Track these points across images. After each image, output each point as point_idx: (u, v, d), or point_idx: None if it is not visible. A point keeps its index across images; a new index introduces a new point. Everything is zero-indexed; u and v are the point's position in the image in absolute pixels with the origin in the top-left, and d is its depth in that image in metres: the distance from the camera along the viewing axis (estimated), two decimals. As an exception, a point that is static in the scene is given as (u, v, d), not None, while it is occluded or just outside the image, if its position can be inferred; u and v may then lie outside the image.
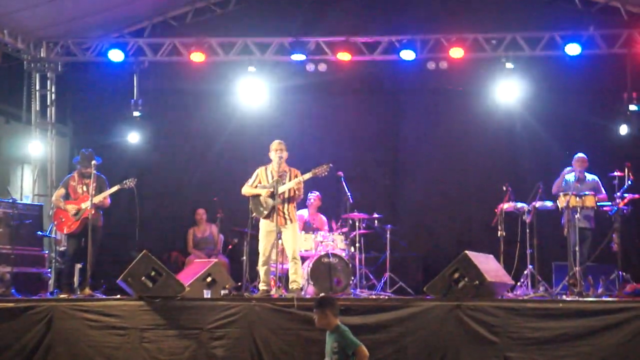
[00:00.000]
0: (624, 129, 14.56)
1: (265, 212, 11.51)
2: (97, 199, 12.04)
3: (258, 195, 11.60)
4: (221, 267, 12.31)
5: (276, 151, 11.61)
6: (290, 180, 11.56)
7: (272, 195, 11.43)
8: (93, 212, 11.94)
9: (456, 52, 14.89)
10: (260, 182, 11.70)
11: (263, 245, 11.52)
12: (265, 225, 11.54)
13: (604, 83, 15.02)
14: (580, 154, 13.10)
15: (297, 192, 11.62)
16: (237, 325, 10.45)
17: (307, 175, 11.56)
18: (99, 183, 12.22)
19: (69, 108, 16.33)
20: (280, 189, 11.43)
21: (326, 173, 11.61)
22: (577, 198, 12.10)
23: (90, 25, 15.46)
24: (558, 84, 15.12)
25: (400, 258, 14.59)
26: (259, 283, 11.81)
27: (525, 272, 12.50)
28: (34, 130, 15.86)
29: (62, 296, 11.65)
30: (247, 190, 11.75)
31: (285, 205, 11.55)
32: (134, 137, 15.45)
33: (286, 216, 11.53)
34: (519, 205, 12.73)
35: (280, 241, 11.63)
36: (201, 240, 14.82)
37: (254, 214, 11.69)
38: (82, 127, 16.27)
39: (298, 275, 11.52)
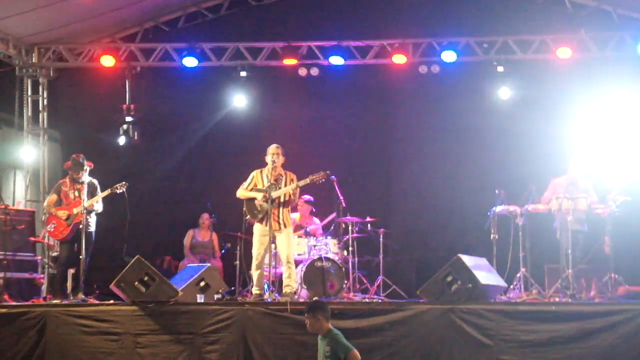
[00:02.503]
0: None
1: (260, 216, 11.51)
2: (89, 204, 12.02)
3: (253, 199, 11.60)
4: (214, 272, 12.29)
5: (272, 155, 11.62)
6: (285, 184, 11.57)
7: (268, 201, 11.43)
8: (85, 217, 11.93)
9: (448, 56, 14.92)
10: (255, 185, 11.69)
11: (257, 250, 11.52)
12: (259, 230, 11.54)
13: (596, 86, 15.03)
14: (578, 158, 13.11)
15: (292, 196, 11.61)
16: (230, 330, 10.45)
17: (304, 182, 11.56)
18: (91, 188, 12.21)
19: (61, 113, 16.28)
20: (275, 194, 11.44)
21: (323, 180, 11.65)
22: (570, 201, 12.12)
23: (81, 31, 15.47)
24: (550, 87, 15.16)
25: (393, 261, 14.61)
26: (252, 287, 11.81)
27: (518, 275, 12.50)
28: (26, 136, 15.85)
29: (55, 302, 11.62)
30: (242, 193, 11.73)
31: (280, 209, 11.55)
32: (126, 142, 15.42)
33: (280, 221, 11.53)
34: (512, 208, 12.72)
35: (273, 245, 11.62)
36: (199, 244, 14.79)
37: (248, 217, 11.70)
38: (74, 133, 16.22)
39: (292, 279, 11.52)
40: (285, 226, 11.58)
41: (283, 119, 15.74)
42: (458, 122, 15.57)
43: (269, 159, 11.65)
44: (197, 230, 14.92)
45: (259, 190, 11.59)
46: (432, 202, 15.70)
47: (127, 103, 15.31)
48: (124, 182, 12.14)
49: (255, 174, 11.77)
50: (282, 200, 11.55)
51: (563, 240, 12.15)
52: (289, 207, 11.76)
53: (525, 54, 15.05)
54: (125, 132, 15.26)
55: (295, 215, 13.89)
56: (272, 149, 11.69)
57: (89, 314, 10.72)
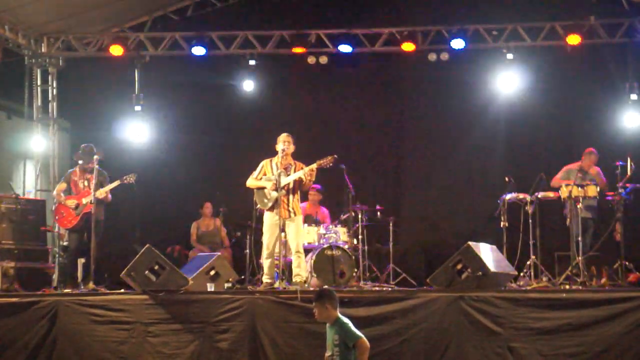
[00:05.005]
0: (625, 119, 14.55)
1: (269, 204, 11.52)
2: (98, 194, 12.04)
3: (262, 188, 11.61)
4: (224, 261, 12.30)
5: (283, 143, 11.62)
6: (294, 173, 11.56)
7: (277, 188, 11.43)
8: (94, 206, 11.94)
9: (457, 43, 14.86)
10: (265, 174, 11.70)
11: (267, 238, 11.53)
12: (269, 218, 11.55)
13: (605, 73, 14.98)
14: (591, 149, 13.09)
15: (304, 179, 11.53)
16: (241, 319, 10.46)
17: (312, 167, 11.55)
18: (100, 178, 12.22)
19: (71, 103, 16.31)
20: (284, 181, 11.43)
21: (331, 164, 11.61)
22: (579, 188, 12.11)
23: (90, 20, 15.49)
24: (559, 74, 15.11)
25: (403, 250, 14.63)
26: (262, 276, 11.82)
27: (528, 262, 12.49)
28: (35, 126, 15.88)
29: (66, 291, 11.67)
30: (251, 182, 11.76)
31: (290, 197, 11.55)
32: (135, 132, 15.45)
33: (290, 209, 11.53)
34: (522, 196, 12.72)
35: (283, 234, 11.62)
36: (205, 234, 14.80)
37: (258, 206, 11.71)
38: (83, 122, 16.27)
39: (301, 268, 11.53)
40: (295, 214, 11.58)
41: (292, 107, 15.76)
42: (467, 110, 15.54)
43: (279, 147, 11.64)
44: (200, 220, 14.91)
45: (268, 179, 11.60)
46: (441, 190, 15.69)
47: (136, 92, 15.31)
48: (133, 174, 12.15)
49: (264, 163, 11.78)
50: (291, 187, 11.56)
51: (573, 227, 12.15)
52: (299, 195, 11.75)
53: (534, 41, 14.99)
54: (135, 122, 15.23)
55: (304, 204, 13.88)
56: (283, 137, 11.69)
57: (100, 303, 10.74)
